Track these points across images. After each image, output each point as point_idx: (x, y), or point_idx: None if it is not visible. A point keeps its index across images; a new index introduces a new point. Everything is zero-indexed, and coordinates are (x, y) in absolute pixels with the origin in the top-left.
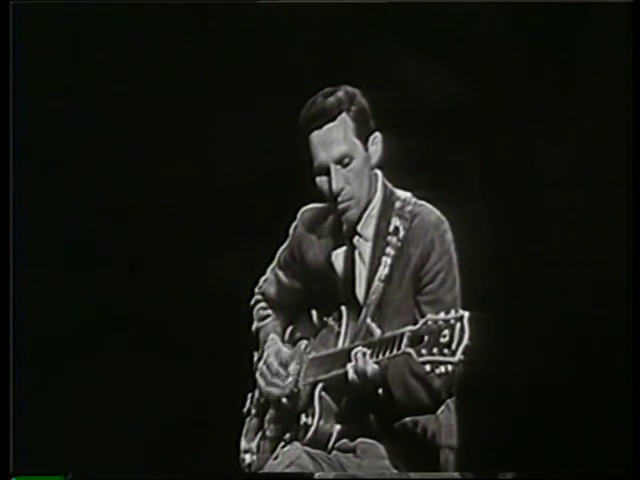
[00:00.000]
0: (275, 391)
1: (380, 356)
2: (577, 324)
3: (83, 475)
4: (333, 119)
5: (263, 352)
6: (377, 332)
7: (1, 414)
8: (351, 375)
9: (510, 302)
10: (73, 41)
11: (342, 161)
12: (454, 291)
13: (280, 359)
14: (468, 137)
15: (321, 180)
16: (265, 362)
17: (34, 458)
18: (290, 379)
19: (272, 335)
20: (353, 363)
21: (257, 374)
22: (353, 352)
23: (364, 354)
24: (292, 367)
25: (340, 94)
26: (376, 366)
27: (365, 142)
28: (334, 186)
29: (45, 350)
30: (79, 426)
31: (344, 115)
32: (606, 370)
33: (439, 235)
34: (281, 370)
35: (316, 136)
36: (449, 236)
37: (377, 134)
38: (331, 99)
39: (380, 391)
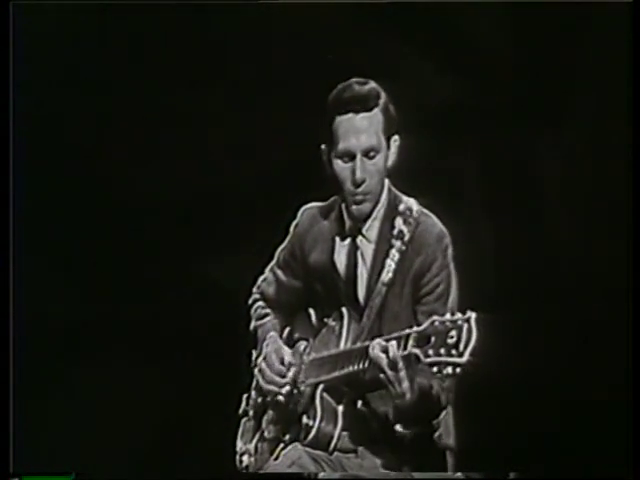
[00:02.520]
0: (272, 388)
1: None
2: (577, 325)
3: (82, 475)
4: (370, 109)
5: (262, 350)
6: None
7: (1, 414)
8: (384, 366)
9: (511, 304)
10: (73, 41)
11: (369, 154)
12: (447, 305)
13: (281, 358)
14: (468, 138)
15: (342, 165)
16: (265, 359)
17: (34, 458)
18: (289, 378)
19: (272, 333)
20: (384, 355)
21: (256, 370)
22: (381, 345)
23: (393, 346)
24: (291, 368)
25: (374, 85)
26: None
27: (387, 141)
28: (358, 175)
29: (45, 350)
30: (78, 427)
31: (377, 110)
32: (606, 370)
33: (442, 249)
34: (281, 367)
35: (348, 120)
36: (450, 251)
37: (397, 137)
38: (368, 87)
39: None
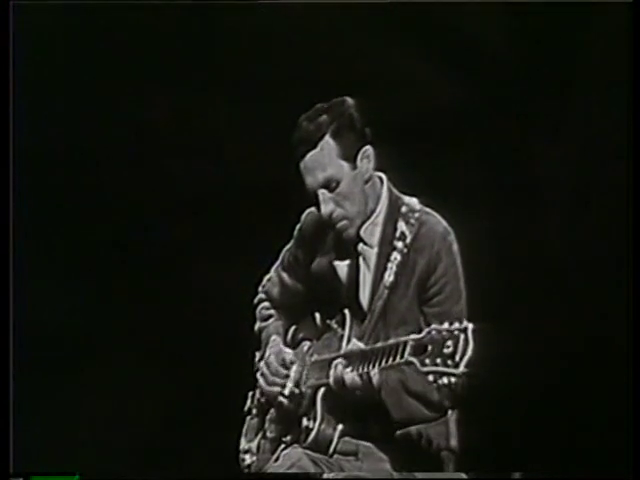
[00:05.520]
0: (275, 389)
1: (383, 363)
2: (579, 331)
3: (85, 475)
4: (314, 146)
5: (264, 353)
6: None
7: (1, 414)
8: (331, 383)
9: (511, 306)
10: (73, 41)
11: (328, 185)
12: (460, 303)
13: (281, 359)
14: (468, 138)
15: (313, 203)
16: (265, 362)
17: (33, 458)
18: (290, 379)
19: (274, 337)
20: (332, 371)
21: (258, 374)
22: (334, 362)
23: (342, 364)
24: (293, 368)
25: (321, 119)
26: (354, 376)
27: (354, 159)
28: (323, 211)
29: (46, 352)
30: (79, 427)
31: (326, 138)
32: (606, 371)
33: (446, 247)
34: (280, 369)
35: (302, 163)
36: (455, 247)
37: (367, 148)
38: (311, 127)
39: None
